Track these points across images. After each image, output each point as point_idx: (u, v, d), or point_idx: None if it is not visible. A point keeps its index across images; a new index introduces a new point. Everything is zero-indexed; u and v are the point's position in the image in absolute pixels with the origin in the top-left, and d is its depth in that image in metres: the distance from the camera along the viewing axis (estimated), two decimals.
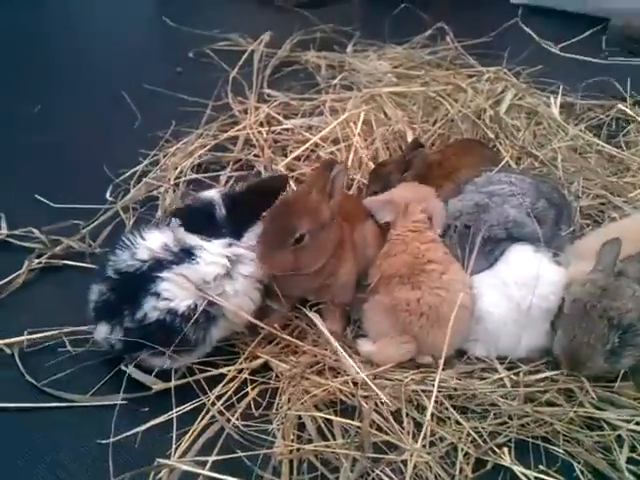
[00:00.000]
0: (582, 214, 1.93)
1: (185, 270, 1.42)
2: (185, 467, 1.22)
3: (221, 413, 1.39)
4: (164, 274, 1.40)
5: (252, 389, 1.47)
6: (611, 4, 3.05)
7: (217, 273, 1.45)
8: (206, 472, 1.23)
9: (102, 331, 1.43)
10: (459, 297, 1.51)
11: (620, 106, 2.38)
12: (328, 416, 1.39)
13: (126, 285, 1.41)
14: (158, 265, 1.42)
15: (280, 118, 2.37)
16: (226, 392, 1.46)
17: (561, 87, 2.42)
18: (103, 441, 1.31)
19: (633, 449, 1.39)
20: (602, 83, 2.51)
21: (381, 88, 2.36)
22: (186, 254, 1.45)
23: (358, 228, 1.67)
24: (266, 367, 1.53)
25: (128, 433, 1.33)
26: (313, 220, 1.47)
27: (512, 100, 2.30)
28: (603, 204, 1.98)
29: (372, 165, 2.05)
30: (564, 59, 2.77)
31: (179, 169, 2.09)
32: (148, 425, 1.35)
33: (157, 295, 1.39)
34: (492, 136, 2.12)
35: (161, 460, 1.23)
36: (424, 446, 1.35)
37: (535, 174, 1.94)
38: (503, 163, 1.93)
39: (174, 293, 1.40)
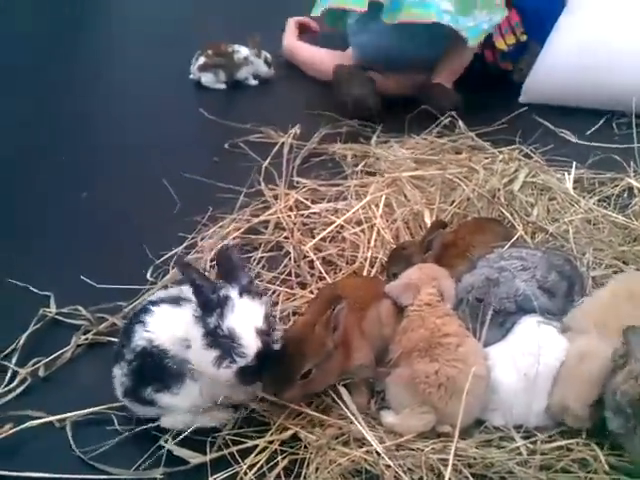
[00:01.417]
0: (596, 284, 2.02)
1: None
2: None
3: None
4: None
5: (282, 459, 1.57)
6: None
7: None
8: None
9: None
10: (474, 368, 1.61)
11: (628, 179, 2.51)
12: None
13: None
14: None
15: (308, 203, 2.53)
16: (258, 462, 1.55)
17: (574, 164, 2.56)
18: None
19: None
20: (610, 160, 2.67)
21: (401, 173, 2.51)
22: None
23: (372, 308, 1.78)
24: (295, 438, 1.62)
25: None
26: (318, 355, 1.58)
27: (526, 178, 2.44)
28: (615, 272, 2.06)
29: (393, 244, 2.19)
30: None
31: (214, 250, 2.25)
32: None
33: None
34: (507, 214, 2.24)
35: None
36: None
37: (547, 248, 2.06)
38: (515, 239, 2.04)
39: None
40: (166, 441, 1.57)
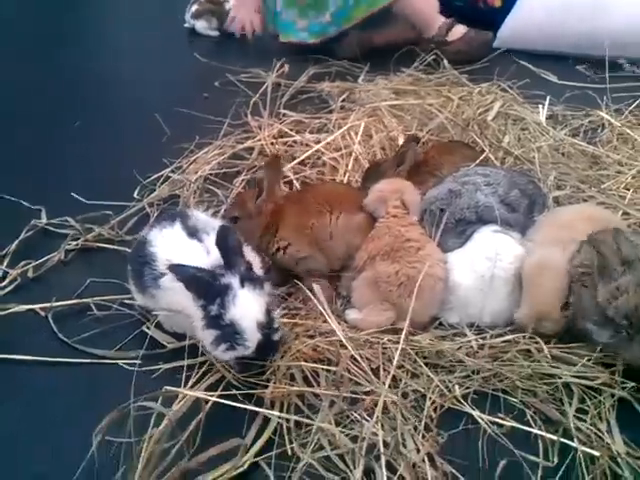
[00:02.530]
0: (558, 203, 2.14)
1: None
2: (191, 393, 1.47)
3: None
4: None
5: None
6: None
7: None
8: (214, 398, 1.48)
9: None
10: (433, 269, 1.74)
11: (599, 112, 2.60)
12: (313, 364, 1.61)
13: None
14: None
15: (291, 133, 2.63)
16: None
17: (548, 98, 2.65)
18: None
19: (582, 401, 1.57)
20: (583, 97, 2.79)
21: (380, 103, 2.61)
22: None
23: (344, 217, 1.90)
24: None
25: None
26: (241, 209, 1.90)
27: (500, 109, 2.53)
28: (578, 193, 2.19)
29: None
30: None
31: (199, 173, 2.37)
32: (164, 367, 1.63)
33: None
34: (478, 140, 2.34)
35: (169, 387, 1.48)
36: (396, 394, 1.56)
37: (512, 169, 2.16)
38: (482, 158, 2.15)
39: None
40: (148, 328, 1.71)
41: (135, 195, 2.31)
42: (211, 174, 2.39)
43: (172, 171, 2.43)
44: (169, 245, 1.64)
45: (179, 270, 1.51)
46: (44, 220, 2.15)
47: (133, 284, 1.75)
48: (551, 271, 1.74)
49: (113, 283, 1.88)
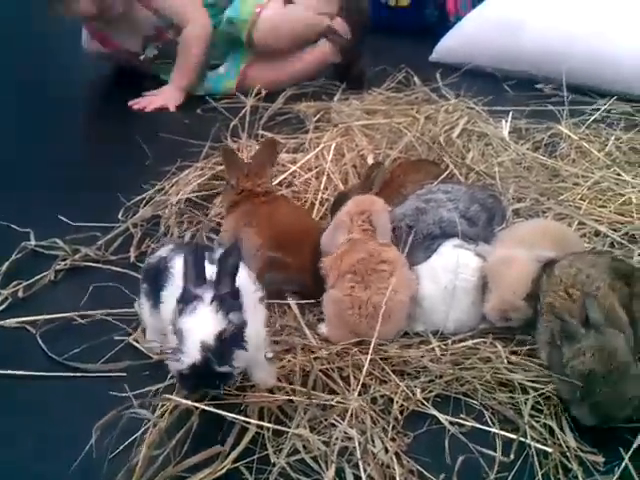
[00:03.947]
0: (519, 215, 2.29)
1: None
2: (183, 401, 1.55)
3: None
4: None
5: None
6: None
7: None
8: (201, 406, 1.54)
9: None
10: (402, 296, 1.85)
11: (558, 127, 2.76)
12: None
13: None
14: None
15: None
16: None
17: (510, 114, 2.81)
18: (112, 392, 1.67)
19: (537, 403, 1.69)
20: (545, 111, 2.97)
21: (352, 122, 2.75)
22: None
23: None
24: None
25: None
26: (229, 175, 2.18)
27: (465, 125, 2.68)
28: (537, 205, 2.34)
29: (342, 187, 2.43)
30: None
31: (180, 194, 2.49)
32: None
33: None
34: (445, 157, 2.48)
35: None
36: (365, 400, 1.68)
37: (474, 184, 2.31)
38: (444, 176, 2.30)
39: None
40: (135, 340, 1.86)
41: (120, 216, 2.42)
42: (192, 195, 2.51)
43: (154, 193, 2.55)
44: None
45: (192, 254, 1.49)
46: (33, 242, 2.26)
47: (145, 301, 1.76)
48: (514, 263, 1.88)
49: (100, 300, 2.01)
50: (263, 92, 3.26)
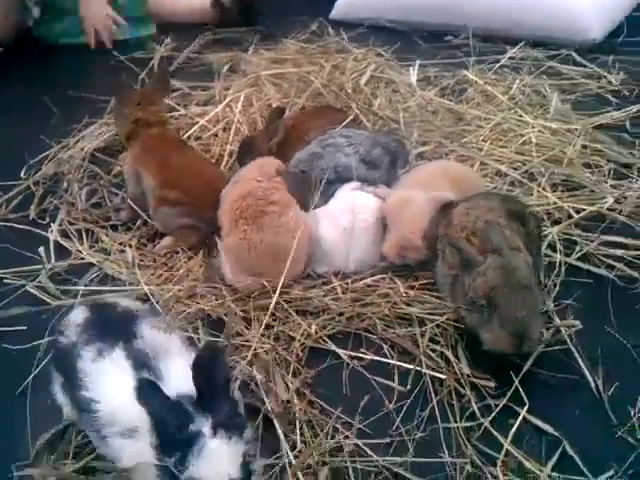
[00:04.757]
0: (423, 159, 2.32)
1: None
2: None
3: None
4: None
5: None
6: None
7: None
8: None
9: None
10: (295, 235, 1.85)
11: (465, 72, 2.80)
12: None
13: None
14: None
15: (178, 107, 2.71)
16: None
17: (417, 61, 2.84)
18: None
19: (434, 335, 1.75)
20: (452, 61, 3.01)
21: (261, 72, 2.72)
22: None
23: None
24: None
25: None
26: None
27: (373, 72, 2.70)
28: (441, 148, 2.38)
29: None
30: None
31: (85, 149, 2.43)
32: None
33: None
34: (352, 104, 2.48)
35: None
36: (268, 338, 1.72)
37: (377, 130, 2.33)
38: (347, 121, 2.30)
39: None
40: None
41: (22, 175, 2.36)
42: (96, 152, 2.46)
43: (58, 150, 2.49)
44: (109, 389, 1.31)
45: (148, 399, 1.18)
46: None
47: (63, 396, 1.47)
48: (412, 204, 1.92)
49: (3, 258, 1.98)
50: (169, 41, 3.21)
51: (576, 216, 2.10)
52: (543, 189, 2.22)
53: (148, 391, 1.18)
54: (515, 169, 2.32)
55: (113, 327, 1.38)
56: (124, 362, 1.31)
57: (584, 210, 2.12)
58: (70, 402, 1.41)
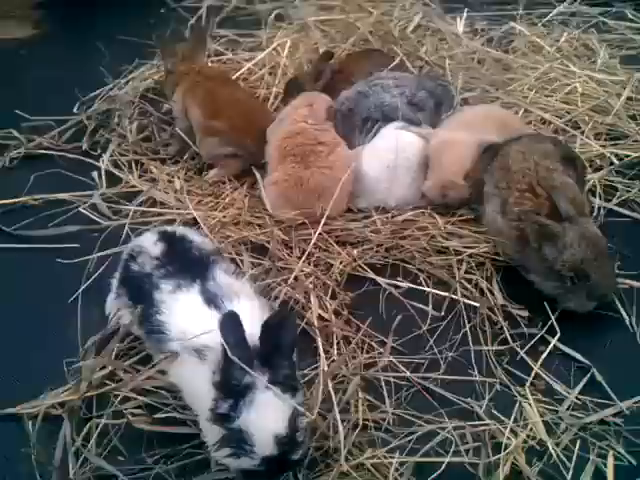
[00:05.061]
0: (467, 104, 2.33)
1: None
2: None
3: None
4: None
5: None
6: None
7: None
8: None
9: None
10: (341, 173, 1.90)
11: (512, 24, 2.79)
12: None
13: None
14: None
15: (226, 52, 2.77)
16: None
17: (465, 10, 2.83)
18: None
19: (470, 267, 1.80)
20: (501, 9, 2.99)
21: (308, 18, 2.75)
22: None
23: None
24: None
25: None
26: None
27: (421, 21, 2.71)
28: (486, 95, 2.39)
29: None
30: None
31: (135, 89, 2.52)
32: None
33: None
34: (398, 50, 2.50)
35: None
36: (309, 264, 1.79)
37: (424, 74, 2.36)
38: (394, 64, 2.33)
39: None
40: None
41: (75, 110, 2.45)
42: (147, 91, 2.54)
43: (110, 89, 2.57)
44: (182, 314, 1.41)
45: (229, 331, 1.24)
46: None
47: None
48: (455, 145, 1.95)
49: (57, 184, 2.08)
50: None
51: (617, 162, 2.11)
52: (587, 137, 2.22)
53: (232, 324, 1.24)
54: (559, 117, 2.32)
55: (190, 266, 1.48)
56: (199, 299, 1.40)
57: (627, 157, 2.12)
58: (137, 319, 1.50)
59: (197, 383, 1.31)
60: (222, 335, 1.23)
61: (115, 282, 1.63)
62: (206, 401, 1.27)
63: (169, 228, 1.66)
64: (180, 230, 1.64)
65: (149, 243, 1.55)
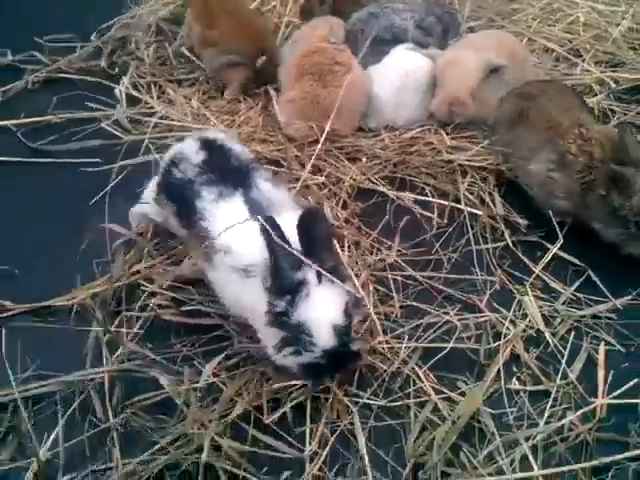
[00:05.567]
0: (473, 31, 2.40)
1: None
2: None
3: None
4: None
5: None
6: None
7: None
8: None
9: None
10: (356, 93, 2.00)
11: None
12: None
13: None
14: None
15: None
16: None
17: None
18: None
19: (473, 178, 1.90)
20: None
21: None
22: None
23: None
24: None
25: None
26: None
27: None
28: (491, 23, 2.48)
29: None
30: None
31: (152, 16, 2.58)
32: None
33: None
34: None
35: None
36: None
37: (432, 1, 2.42)
38: None
39: None
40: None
41: (92, 37, 2.52)
42: (163, 19, 2.58)
43: (126, 18, 2.62)
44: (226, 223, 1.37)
45: (271, 235, 1.26)
46: (9, 57, 2.38)
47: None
48: (461, 63, 2.02)
49: (78, 104, 2.16)
50: None
51: (613, 86, 2.20)
52: (587, 64, 2.30)
53: (273, 226, 1.25)
54: (561, 46, 2.39)
55: (233, 174, 1.47)
56: (243, 207, 1.40)
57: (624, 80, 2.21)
58: (180, 225, 1.53)
59: (248, 296, 1.33)
60: (265, 238, 1.25)
61: (149, 191, 1.66)
62: (261, 307, 1.30)
63: (210, 135, 1.62)
64: (220, 137, 1.62)
65: (191, 150, 1.55)
